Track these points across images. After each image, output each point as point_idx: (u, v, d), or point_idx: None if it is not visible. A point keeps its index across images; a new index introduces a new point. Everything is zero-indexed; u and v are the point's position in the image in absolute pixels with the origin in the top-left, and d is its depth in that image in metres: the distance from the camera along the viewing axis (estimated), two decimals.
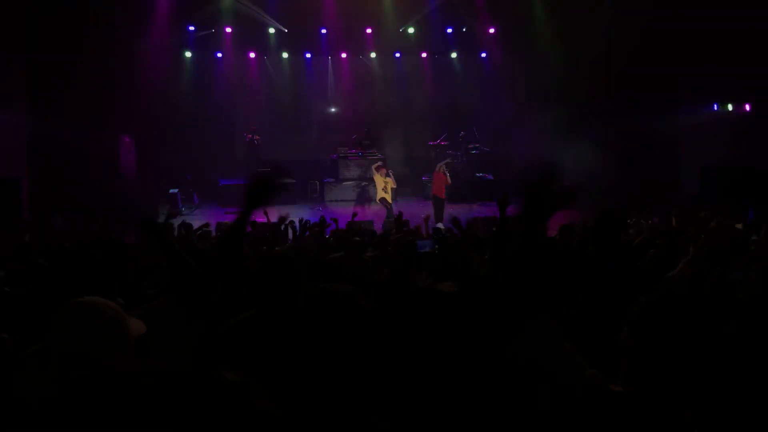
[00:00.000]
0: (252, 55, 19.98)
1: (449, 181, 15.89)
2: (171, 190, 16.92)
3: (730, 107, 13.56)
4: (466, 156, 19.17)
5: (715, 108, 13.71)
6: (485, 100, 19.81)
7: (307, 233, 9.89)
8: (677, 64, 14.39)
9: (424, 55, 20.57)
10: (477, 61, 20.50)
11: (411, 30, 19.35)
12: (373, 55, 20.43)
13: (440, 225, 15.02)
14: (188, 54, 19.17)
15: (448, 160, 17.07)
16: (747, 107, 13.34)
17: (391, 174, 16.49)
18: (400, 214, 11.03)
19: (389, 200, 16.20)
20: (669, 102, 14.47)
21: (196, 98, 19.00)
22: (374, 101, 20.79)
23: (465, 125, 19.54)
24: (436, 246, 8.04)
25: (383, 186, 16.32)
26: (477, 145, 19.35)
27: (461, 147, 19.22)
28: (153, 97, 16.83)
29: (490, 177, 18.95)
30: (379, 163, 18.00)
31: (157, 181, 16.97)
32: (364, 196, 18.46)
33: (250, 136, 18.79)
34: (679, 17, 14.11)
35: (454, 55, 20.49)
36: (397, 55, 20.45)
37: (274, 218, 9.76)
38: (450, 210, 15.91)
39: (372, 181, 16.94)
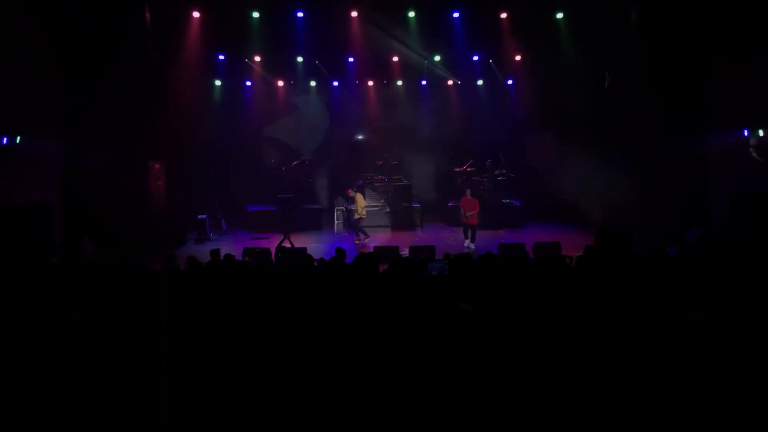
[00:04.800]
0: (280, 83, 20.31)
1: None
2: (199, 216, 17.16)
3: (761, 133, 13.38)
4: (493, 182, 19.17)
5: (746, 134, 13.54)
6: (511, 126, 19.86)
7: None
8: (706, 87, 14.26)
9: (450, 82, 20.72)
10: (503, 87, 20.58)
11: (437, 58, 19.53)
12: (399, 82, 20.64)
13: (472, 246, 15.15)
14: (218, 82, 19.55)
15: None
16: None
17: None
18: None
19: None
20: (698, 125, 14.32)
21: (224, 125, 19.33)
22: (400, 127, 20.94)
23: (491, 151, 19.57)
24: (447, 269, 8.07)
25: (363, 206, 16.76)
26: (504, 171, 19.35)
27: (487, 173, 19.24)
28: (183, 123, 17.11)
29: (517, 203, 18.90)
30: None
31: (186, 207, 17.19)
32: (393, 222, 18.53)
33: (296, 163, 19.24)
34: (709, 39, 14.05)
35: (480, 82, 20.60)
36: (423, 82, 20.63)
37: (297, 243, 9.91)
38: (477, 236, 15.89)
39: (350, 201, 17.08)
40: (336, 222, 18.24)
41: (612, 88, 16.22)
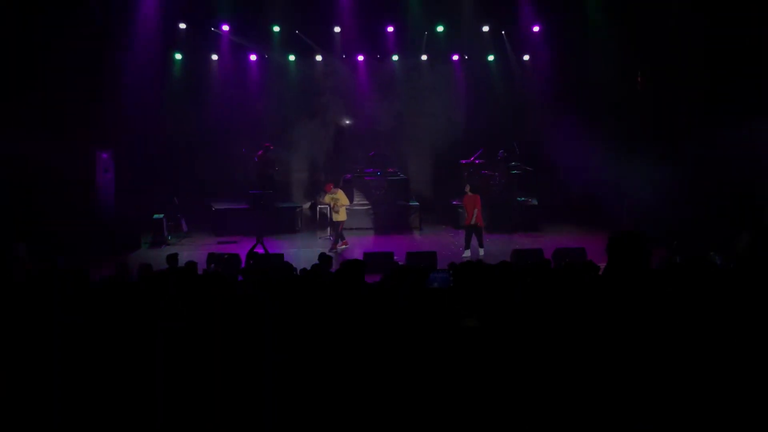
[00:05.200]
0: (253, 57, 20.09)
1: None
2: (155, 215, 16.95)
3: None
4: (506, 177, 19.03)
5: None
6: (528, 111, 19.72)
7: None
8: (763, 67, 14.13)
9: (455, 57, 20.52)
10: (518, 64, 20.44)
11: (440, 29, 19.34)
12: (395, 57, 20.45)
13: (481, 252, 14.99)
14: (178, 56, 19.35)
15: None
16: None
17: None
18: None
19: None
20: (749, 112, 14.20)
21: (186, 108, 19.12)
22: (396, 111, 20.78)
23: (504, 140, 19.43)
24: (451, 279, 7.97)
25: (345, 205, 16.52)
26: (518, 164, 19.22)
27: (500, 166, 19.11)
28: (136, 105, 16.91)
29: (534, 202, 18.79)
30: (349, 176, 18.18)
31: (139, 204, 16.99)
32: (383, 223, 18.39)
33: (260, 153, 18.92)
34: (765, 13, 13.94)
35: (491, 57, 20.44)
36: (424, 57, 20.45)
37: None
38: (485, 241, 15.74)
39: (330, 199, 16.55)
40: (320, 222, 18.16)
41: (647, 68, 16.06)
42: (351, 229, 18.13)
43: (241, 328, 5.12)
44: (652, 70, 15.99)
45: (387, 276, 8.42)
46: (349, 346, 4.93)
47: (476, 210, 15.31)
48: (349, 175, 19.26)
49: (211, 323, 5.18)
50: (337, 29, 19.35)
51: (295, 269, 10.28)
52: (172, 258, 10.95)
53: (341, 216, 16.19)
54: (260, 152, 18.97)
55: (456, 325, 4.95)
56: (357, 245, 16.28)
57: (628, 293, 4.44)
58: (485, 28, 19.46)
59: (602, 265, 8.80)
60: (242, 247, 15.04)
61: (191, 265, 9.65)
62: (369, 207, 18.69)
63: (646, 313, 4.33)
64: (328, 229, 17.43)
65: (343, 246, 16.05)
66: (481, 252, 15.13)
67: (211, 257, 13.32)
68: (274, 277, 8.57)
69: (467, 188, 15.70)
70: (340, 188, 16.86)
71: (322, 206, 18.26)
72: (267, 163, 19.15)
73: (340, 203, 16.19)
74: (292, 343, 4.93)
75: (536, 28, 19.03)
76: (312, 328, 5.12)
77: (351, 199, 18.61)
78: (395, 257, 13.49)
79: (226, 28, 18.86)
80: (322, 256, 10.67)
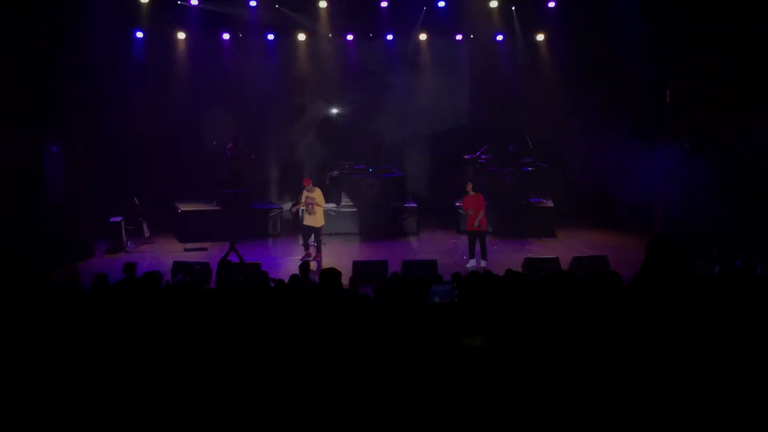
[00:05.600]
0: (226, 35, 20.16)
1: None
2: (112, 218, 17.00)
3: None
4: (517, 175, 19.18)
5: None
6: (541, 99, 19.82)
7: None
8: None
9: (458, 37, 20.64)
10: (531, 45, 20.58)
11: (442, 4, 19.50)
12: (389, 36, 20.58)
13: (483, 263, 15.07)
14: (139, 34, 19.33)
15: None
16: None
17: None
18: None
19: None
20: None
21: (148, 94, 19.12)
22: (390, 99, 20.93)
23: (514, 133, 19.61)
24: (456, 292, 8.07)
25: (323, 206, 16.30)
26: (531, 160, 19.38)
27: (510, 163, 19.26)
28: (91, 92, 16.89)
29: (549, 203, 18.93)
30: (336, 173, 18.22)
31: (94, 206, 17.00)
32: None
33: (230, 145, 19.04)
34: None
35: (499, 37, 20.60)
36: (423, 37, 20.56)
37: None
38: (493, 249, 15.83)
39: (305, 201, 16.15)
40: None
41: (683, 49, 16.14)
42: (338, 234, 18.22)
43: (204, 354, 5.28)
44: (685, 54, 16.06)
45: (380, 287, 8.54)
46: (336, 372, 5.01)
47: (481, 212, 15.35)
48: (335, 172, 19.33)
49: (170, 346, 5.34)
50: (323, 4, 19.33)
51: (271, 280, 10.42)
52: (130, 267, 11.02)
53: (318, 220, 15.88)
54: (230, 145, 19.06)
55: (459, 345, 4.98)
56: (346, 253, 16.34)
57: (667, 308, 4.50)
58: (493, 4, 19.50)
59: (626, 276, 8.92)
60: (212, 256, 15.13)
61: (153, 276, 9.75)
62: (359, 209, 18.79)
63: (686, 337, 4.40)
64: (300, 236, 16.98)
65: (310, 258, 15.65)
66: (483, 263, 15.16)
67: (177, 267, 13.42)
68: (249, 288, 8.68)
69: (469, 187, 15.68)
70: (320, 186, 16.54)
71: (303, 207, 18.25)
72: (239, 158, 19.22)
73: (316, 204, 15.85)
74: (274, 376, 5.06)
75: (552, 4, 19.09)
76: (286, 357, 5.18)
77: (338, 200, 18.68)
78: (389, 266, 13.57)
79: (195, 1, 18.86)
80: (302, 266, 10.78)
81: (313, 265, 15.10)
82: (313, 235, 16.01)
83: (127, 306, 6.58)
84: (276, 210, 19.00)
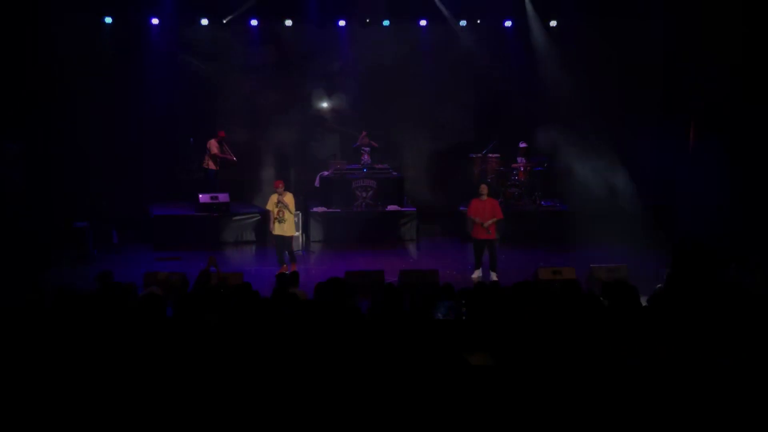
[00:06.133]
0: (204, 21, 20.00)
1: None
2: (77, 223, 16.84)
3: None
4: (527, 175, 19.11)
5: None
6: (555, 91, 19.69)
7: None
8: None
9: (463, 23, 20.52)
10: (544, 31, 20.43)
11: None
12: (386, 22, 20.44)
13: (493, 276, 14.95)
14: (108, 20, 19.23)
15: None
16: None
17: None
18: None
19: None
20: None
21: (118, 86, 19.04)
22: (387, 91, 20.78)
23: (525, 129, 19.49)
24: (464, 309, 7.95)
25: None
26: (543, 158, 19.27)
27: (519, 162, 19.20)
28: (54, 84, 16.82)
29: (564, 207, 18.85)
30: (326, 173, 18.41)
31: (57, 209, 16.93)
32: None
33: (218, 146, 18.87)
34: None
35: (508, 23, 20.50)
36: (423, 23, 20.48)
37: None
38: (500, 258, 15.68)
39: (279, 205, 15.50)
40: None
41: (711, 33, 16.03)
42: (328, 241, 18.19)
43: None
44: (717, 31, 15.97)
45: (376, 300, 8.36)
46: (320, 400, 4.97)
47: (494, 219, 14.91)
48: (326, 172, 19.27)
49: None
50: None
51: (258, 293, 10.23)
52: (104, 277, 10.79)
53: (290, 228, 15.46)
54: (211, 141, 18.91)
55: (462, 362, 4.94)
56: (338, 262, 16.25)
57: (696, 321, 4.45)
58: None
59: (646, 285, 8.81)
60: (189, 266, 14.94)
61: (126, 288, 9.55)
62: (352, 213, 18.71)
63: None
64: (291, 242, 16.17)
65: (287, 269, 15.22)
66: (494, 276, 14.92)
67: (149, 278, 13.22)
68: (230, 302, 8.51)
69: (484, 190, 15.22)
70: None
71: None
72: (221, 158, 19.08)
73: (287, 210, 15.34)
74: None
75: None
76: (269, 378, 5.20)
77: (329, 203, 18.55)
78: (386, 277, 13.53)
79: None
80: (280, 277, 10.68)
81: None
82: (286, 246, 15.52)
83: (101, 321, 6.59)
84: (258, 215, 18.84)
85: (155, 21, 19.66)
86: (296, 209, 15.94)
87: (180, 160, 20.03)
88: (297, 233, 15.81)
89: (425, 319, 7.31)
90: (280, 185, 15.42)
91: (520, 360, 5.02)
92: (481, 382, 4.81)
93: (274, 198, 15.30)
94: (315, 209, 18.76)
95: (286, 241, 15.44)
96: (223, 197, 18.45)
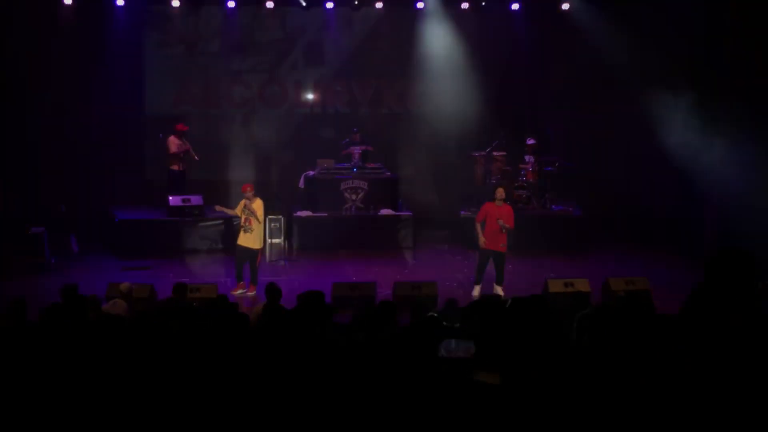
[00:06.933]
0: (176, 2, 20.08)
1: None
2: (33, 229, 16.87)
3: None
4: (536, 176, 19.19)
5: None
6: (567, 82, 19.81)
7: None
8: None
9: (465, 5, 20.65)
10: (553, 15, 20.56)
11: None
12: (378, 5, 20.57)
13: (500, 291, 14.91)
14: (68, 0, 19.29)
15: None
16: None
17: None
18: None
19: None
20: None
21: (79, 75, 19.10)
22: (380, 83, 20.88)
23: (533, 124, 19.61)
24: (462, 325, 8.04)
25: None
26: (553, 157, 19.40)
27: (527, 161, 19.23)
28: (6, 72, 16.92)
29: (576, 212, 18.97)
30: (311, 173, 18.51)
31: (10, 214, 16.96)
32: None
33: (178, 143, 18.85)
34: None
35: (515, 5, 20.64)
36: (420, 5, 20.57)
37: None
38: (506, 267, 15.78)
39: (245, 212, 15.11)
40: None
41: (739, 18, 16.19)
42: (314, 248, 18.20)
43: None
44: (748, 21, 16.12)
45: (361, 316, 8.47)
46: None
47: (507, 227, 14.53)
48: (312, 172, 19.31)
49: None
50: None
51: (236, 305, 10.40)
52: (70, 291, 10.83)
53: (256, 239, 14.99)
54: (170, 138, 18.75)
55: (469, 380, 4.94)
56: (324, 272, 16.22)
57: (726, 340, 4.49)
58: None
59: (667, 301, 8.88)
60: (158, 276, 15.05)
61: (90, 301, 9.65)
62: (341, 217, 18.78)
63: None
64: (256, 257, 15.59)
65: (243, 291, 14.94)
66: (499, 291, 14.68)
67: (112, 288, 13.28)
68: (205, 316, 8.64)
69: (501, 194, 14.84)
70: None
71: (272, 217, 18.17)
72: (182, 154, 19.01)
73: (255, 218, 14.95)
74: None
75: None
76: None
77: (314, 207, 18.58)
78: (379, 289, 13.62)
79: None
80: (270, 287, 10.72)
81: (238, 293, 14.69)
82: (249, 261, 15.01)
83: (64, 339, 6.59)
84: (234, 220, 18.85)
85: (120, 2, 19.72)
86: (280, 214, 16.02)
87: (147, 159, 20.11)
88: (262, 246, 15.38)
89: (425, 358, 7.04)
90: (249, 189, 15.01)
91: (531, 379, 5.02)
92: (485, 401, 4.81)
93: (241, 203, 15.01)
94: (299, 213, 18.71)
95: (250, 253, 14.93)
96: (195, 200, 18.49)
